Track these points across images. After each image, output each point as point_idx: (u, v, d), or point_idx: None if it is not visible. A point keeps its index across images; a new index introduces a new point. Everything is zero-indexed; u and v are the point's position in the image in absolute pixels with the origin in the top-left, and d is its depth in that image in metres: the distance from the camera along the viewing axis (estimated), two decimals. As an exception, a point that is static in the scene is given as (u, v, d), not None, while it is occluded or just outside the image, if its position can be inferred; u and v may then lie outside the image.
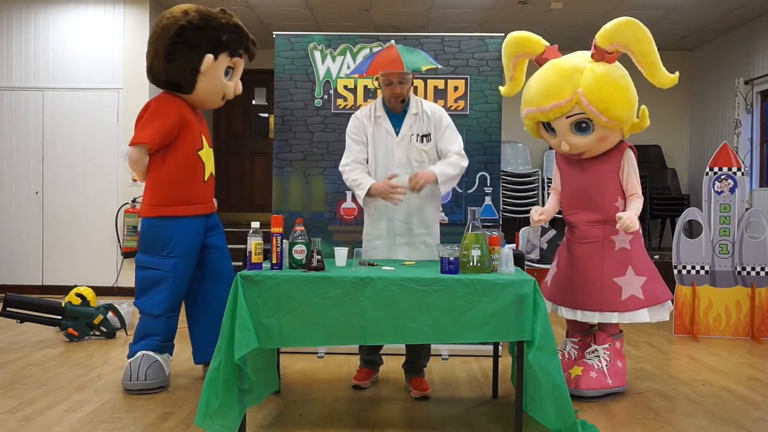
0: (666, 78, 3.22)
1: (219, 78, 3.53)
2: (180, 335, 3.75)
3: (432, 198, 3.44)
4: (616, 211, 3.38)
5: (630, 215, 3.26)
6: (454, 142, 3.40)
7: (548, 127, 3.48)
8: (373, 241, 3.46)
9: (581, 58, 3.38)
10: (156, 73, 3.51)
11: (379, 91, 3.50)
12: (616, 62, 3.35)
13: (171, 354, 3.68)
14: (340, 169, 3.48)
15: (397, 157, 3.38)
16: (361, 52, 4.34)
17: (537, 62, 3.54)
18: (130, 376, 3.41)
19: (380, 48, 3.52)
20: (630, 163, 3.43)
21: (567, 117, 3.33)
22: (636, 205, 3.38)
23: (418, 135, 3.38)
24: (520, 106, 3.59)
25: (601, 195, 3.44)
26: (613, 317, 3.42)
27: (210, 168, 3.63)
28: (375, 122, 3.42)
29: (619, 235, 3.43)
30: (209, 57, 3.41)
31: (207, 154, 3.61)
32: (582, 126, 3.34)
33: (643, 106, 3.42)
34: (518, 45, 3.53)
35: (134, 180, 6.63)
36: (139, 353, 3.47)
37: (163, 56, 3.42)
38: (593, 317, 3.47)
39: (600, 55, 3.30)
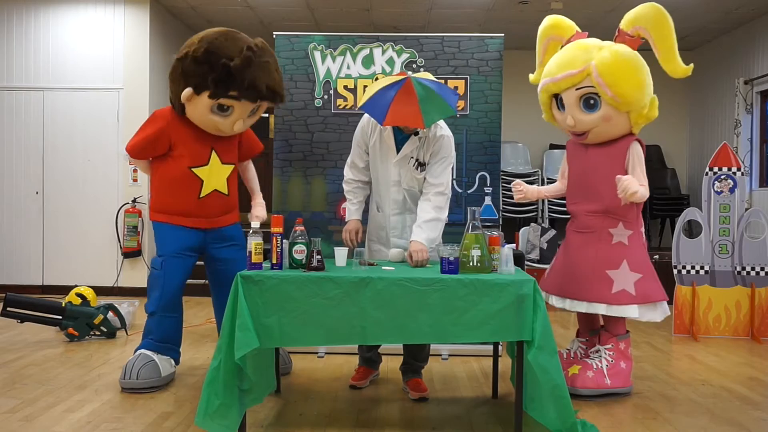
0: (680, 67, 3.34)
1: (203, 112, 3.43)
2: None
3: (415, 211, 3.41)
4: (618, 203, 3.36)
5: (630, 178, 3.22)
6: (438, 176, 3.28)
7: (560, 103, 3.50)
8: (375, 244, 3.48)
9: (606, 42, 3.44)
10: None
11: None
12: (636, 50, 3.39)
13: (175, 359, 3.68)
14: (345, 169, 3.54)
15: (393, 175, 3.36)
16: (361, 52, 4.34)
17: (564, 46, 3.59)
18: (125, 374, 3.46)
19: (398, 84, 3.09)
20: (636, 155, 3.40)
21: (576, 89, 3.37)
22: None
23: (416, 161, 3.32)
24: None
25: (603, 185, 3.42)
26: (600, 308, 3.40)
27: (214, 185, 3.58)
28: (379, 134, 3.36)
29: (617, 229, 3.42)
30: (187, 90, 3.38)
31: (212, 171, 3.57)
32: (590, 102, 3.37)
33: (653, 96, 3.41)
34: (552, 27, 3.61)
35: (134, 180, 6.65)
36: (138, 352, 3.53)
37: (170, 74, 3.50)
38: (580, 306, 3.46)
39: (622, 38, 3.40)
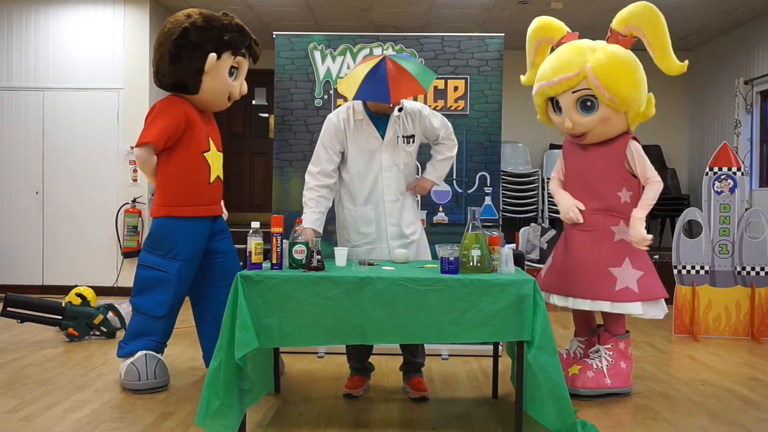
0: (675, 64, 3.33)
1: (223, 77, 3.56)
2: (180, 335, 3.75)
3: (407, 195, 3.45)
4: (618, 201, 3.41)
5: (633, 227, 3.33)
6: (440, 126, 3.42)
7: (556, 106, 3.50)
8: (364, 246, 3.38)
9: (598, 42, 3.44)
10: (162, 76, 3.55)
11: None
12: (629, 49, 3.39)
13: (162, 354, 3.66)
14: (306, 175, 3.35)
15: (384, 161, 3.33)
16: (361, 52, 4.34)
17: (556, 47, 3.57)
18: (139, 376, 3.40)
19: (382, 63, 3.11)
20: (636, 152, 3.42)
21: (573, 92, 3.38)
22: (649, 195, 3.36)
23: (403, 137, 3.34)
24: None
25: (602, 184, 3.45)
26: (604, 306, 3.41)
27: (217, 171, 3.66)
28: (356, 127, 3.31)
29: (619, 227, 3.43)
30: (212, 56, 3.46)
31: (214, 157, 3.64)
32: (587, 104, 3.38)
33: (650, 94, 3.43)
34: (542, 29, 3.60)
35: (134, 180, 6.65)
36: (141, 353, 3.47)
37: (169, 58, 3.46)
38: (584, 304, 3.46)
39: (614, 38, 3.39)
